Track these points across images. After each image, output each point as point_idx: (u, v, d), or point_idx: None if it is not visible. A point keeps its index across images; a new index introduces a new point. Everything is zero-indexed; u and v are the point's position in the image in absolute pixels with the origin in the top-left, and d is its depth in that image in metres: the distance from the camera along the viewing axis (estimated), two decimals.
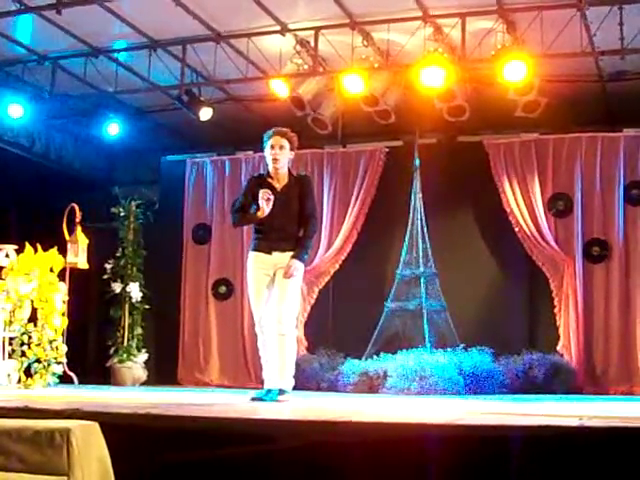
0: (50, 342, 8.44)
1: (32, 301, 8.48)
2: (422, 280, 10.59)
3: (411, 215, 10.78)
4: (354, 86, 9.59)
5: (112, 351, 11.67)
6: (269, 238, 6.45)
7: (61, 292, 8.68)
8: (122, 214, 12.08)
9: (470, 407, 6.25)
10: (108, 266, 11.91)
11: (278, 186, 6.50)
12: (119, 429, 4.01)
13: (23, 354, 8.32)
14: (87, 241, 9.50)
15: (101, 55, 10.00)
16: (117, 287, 11.82)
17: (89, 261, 9.58)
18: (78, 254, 9.41)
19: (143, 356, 11.75)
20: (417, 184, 10.86)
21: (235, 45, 9.74)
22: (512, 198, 10.80)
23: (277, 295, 6.38)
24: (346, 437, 3.95)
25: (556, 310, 10.52)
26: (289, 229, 6.46)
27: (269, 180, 6.52)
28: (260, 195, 6.31)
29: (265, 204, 6.29)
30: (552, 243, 10.61)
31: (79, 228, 9.55)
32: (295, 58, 9.71)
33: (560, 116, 10.04)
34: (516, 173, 10.88)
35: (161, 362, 12.06)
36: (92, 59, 10.03)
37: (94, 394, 7.70)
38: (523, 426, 3.94)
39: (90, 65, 10.08)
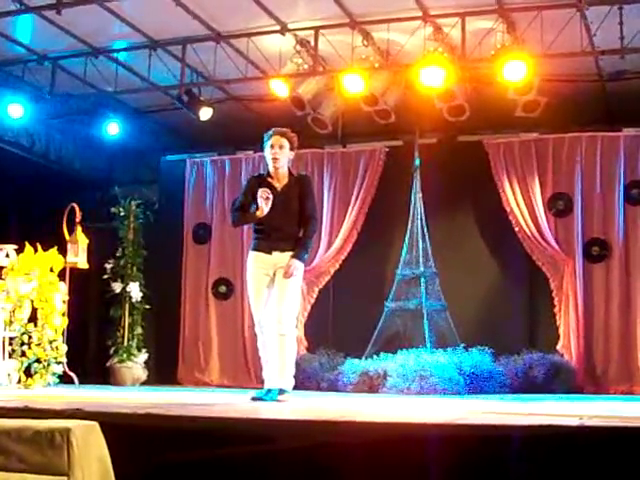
0: (50, 342, 8.45)
1: (32, 301, 8.49)
2: (422, 280, 10.59)
3: (411, 215, 10.78)
4: (354, 86, 9.59)
5: (112, 351, 11.67)
6: (269, 238, 6.45)
7: (61, 292, 8.69)
8: (122, 214, 12.08)
9: (470, 407, 6.25)
10: (108, 266, 11.91)
11: (278, 186, 6.50)
12: (119, 429, 4.01)
13: (23, 354, 8.33)
14: (87, 241, 9.51)
15: (101, 55, 10.00)
16: (117, 287, 11.83)
17: (89, 261, 9.59)
18: (78, 254, 9.42)
19: (143, 356, 11.75)
20: (417, 184, 10.86)
21: (235, 45, 9.75)
22: (512, 198, 10.80)
23: (277, 295, 6.38)
24: (346, 437, 3.95)
25: (556, 310, 10.52)
26: (289, 229, 6.46)
27: (269, 180, 6.52)
28: (259, 194, 6.31)
29: (264, 203, 6.29)
30: (552, 243, 10.61)
31: (79, 228, 9.55)
32: (295, 58, 9.71)
33: (560, 116, 10.04)
34: (516, 173, 10.87)
35: (161, 362, 12.06)
36: (92, 59, 10.03)
37: (94, 394, 7.70)
38: (523, 426, 3.94)
39: (90, 65, 10.08)
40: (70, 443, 3.56)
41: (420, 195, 10.82)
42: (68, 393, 7.65)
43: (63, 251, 9.08)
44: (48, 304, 8.51)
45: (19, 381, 8.26)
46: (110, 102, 11.07)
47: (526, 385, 9.73)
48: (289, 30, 9.42)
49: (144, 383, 11.58)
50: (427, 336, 10.24)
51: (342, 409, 5.89)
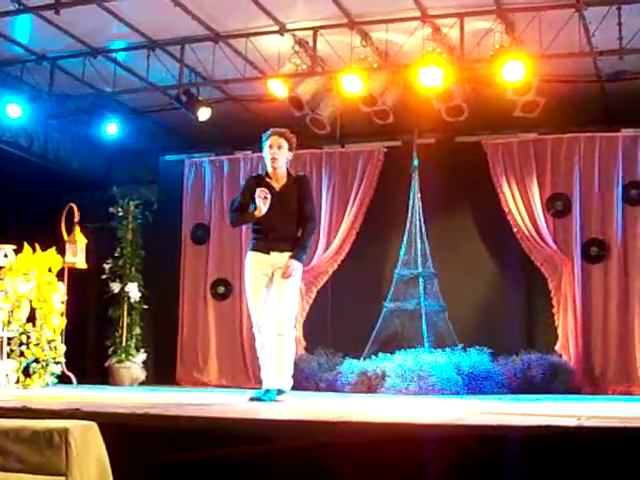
0: (49, 342, 8.46)
1: (31, 301, 8.50)
2: (421, 280, 10.59)
3: (409, 215, 10.78)
4: (352, 86, 9.59)
5: (110, 351, 11.67)
6: (267, 238, 6.45)
7: (59, 292, 8.69)
8: (120, 214, 12.08)
9: (469, 407, 6.25)
10: (106, 266, 11.91)
11: (277, 186, 6.51)
12: (118, 429, 4.01)
13: (22, 354, 8.33)
14: (85, 241, 9.51)
15: (99, 55, 9.99)
16: (116, 287, 11.83)
17: (87, 261, 9.59)
18: (77, 254, 9.43)
19: (141, 356, 11.75)
20: (416, 184, 10.86)
21: (233, 45, 9.74)
22: (510, 198, 10.80)
23: (275, 295, 6.38)
24: (345, 437, 3.95)
25: (554, 310, 10.52)
26: (287, 229, 6.46)
27: (267, 180, 6.53)
28: (257, 194, 6.31)
29: (262, 203, 6.30)
30: (550, 243, 10.61)
31: (77, 228, 9.55)
32: (293, 58, 9.71)
33: (558, 116, 10.04)
34: (514, 173, 10.88)
35: (159, 362, 12.06)
36: (90, 59, 10.02)
37: (92, 394, 7.70)
38: (522, 426, 3.94)
39: (88, 65, 10.07)
40: (68, 443, 3.56)
41: (419, 195, 10.82)
42: (66, 393, 7.65)
43: (61, 251, 9.08)
44: (46, 304, 8.51)
45: (17, 381, 8.27)
46: (108, 102, 11.07)
47: (524, 385, 9.73)
48: (288, 30, 9.42)
49: (142, 383, 11.57)
50: (425, 336, 10.24)
51: (340, 409, 5.89)
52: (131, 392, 9.12)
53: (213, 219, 12.19)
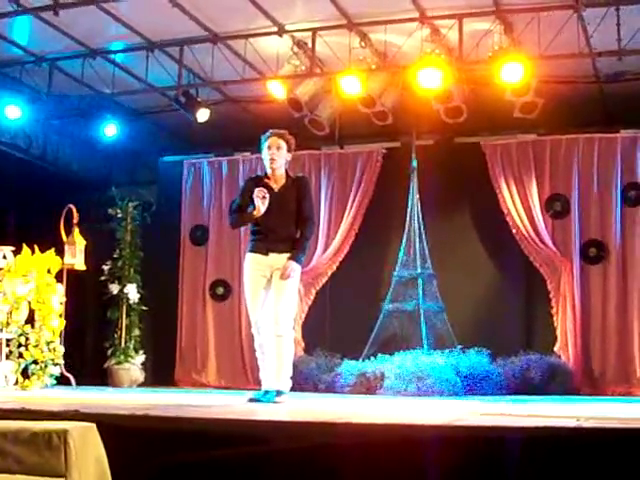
0: (47, 343, 8.45)
1: (29, 302, 8.48)
2: (419, 281, 10.59)
3: (408, 216, 10.77)
4: (351, 87, 9.59)
5: (109, 352, 11.67)
6: (266, 239, 6.45)
7: (58, 293, 8.68)
8: (119, 215, 12.08)
9: (468, 408, 6.25)
10: (105, 267, 11.91)
11: (275, 187, 6.51)
12: (117, 430, 4.01)
13: (20, 355, 8.32)
14: (84, 242, 9.50)
15: (98, 56, 9.99)
16: (114, 288, 11.83)
17: (86, 262, 9.58)
18: (75, 255, 9.41)
19: (140, 357, 11.75)
20: (414, 185, 10.86)
21: (232, 46, 9.75)
22: (509, 199, 10.80)
23: (274, 296, 6.38)
24: (344, 438, 3.95)
25: (553, 311, 10.53)
26: (286, 230, 6.46)
27: (266, 181, 6.53)
28: (255, 193, 6.31)
29: (261, 202, 6.30)
30: (549, 244, 10.62)
31: (76, 229, 9.54)
32: (292, 59, 9.71)
33: (557, 117, 10.04)
34: (513, 174, 10.88)
35: (158, 363, 12.05)
36: (89, 60, 10.02)
37: (91, 395, 7.69)
38: (521, 427, 3.94)
39: (87, 66, 10.07)
40: (67, 445, 3.56)
41: (417, 196, 10.82)
42: (65, 394, 7.65)
43: (60, 253, 9.06)
44: (45, 306, 8.50)
45: (16, 382, 8.26)
46: (107, 103, 11.05)
47: (523, 386, 9.73)
48: (286, 31, 9.42)
49: (141, 384, 11.57)
50: (424, 337, 10.24)
51: (339, 410, 5.89)
52: (130, 393, 9.11)
53: (212, 220, 12.19)
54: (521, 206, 10.74)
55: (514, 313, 10.78)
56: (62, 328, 8.68)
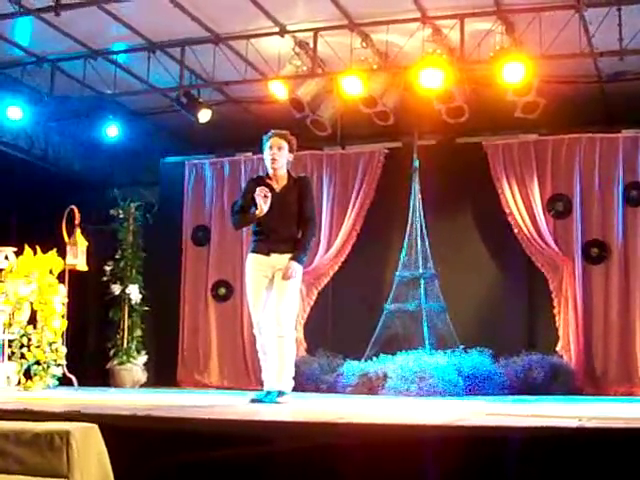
0: (49, 344, 8.45)
1: (31, 303, 8.49)
2: (421, 281, 10.58)
3: (410, 216, 10.77)
4: (353, 87, 9.60)
5: (112, 353, 11.67)
6: (267, 240, 6.45)
7: (60, 294, 8.68)
8: (121, 216, 12.09)
9: (470, 408, 6.25)
10: (107, 268, 11.92)
11: (277, 187, 6.51)
12: (119, 431, 4.02)
13: (23, 356, 8.33)
14: (86, 243, 9.49)
15: (100, 57, 10.00)
16: (116, 289, 11.83)
17: (88, 263, 9.57)
18: (77, 256, 9.40)
19: (142, 358, 11.75)
20: (416, 185, 10.86)
21: (234, 47, 9.75)
22: (511, 199, 10.80)
23: (276, 297, 6.38)
24: (346, 439, 3.95)
25: (555, 311, 10.52)
26: (288, 231, 6.46)
27: (268, 181, 6.53)
28: (256, 192, 6.31)
29: (262, 201, 6.30)
30: (551, 244, 10.61)
31: (78, 230, 9.53)
32: (294, 60, 9.71)
33: (559, 117, 10.04)
34: (515, 174, 10.87)
35: (161, 364, 12.05)
36: (91, 61, 10.03)
37: (94, 396, 7.70)
38: (523, 427, 3.94)
39: (89, 67, 10.08)
40: (69, 445, 3.56)
41: (419, 197, 10.81)
42: (67, 395, 7.65)
43: (62, 253, 9.06)
44: (47, 306, 8.51)
45: (18, 383, 8.26)
46: (109, 104, 11.06)
47: (525, 386, 9.72)
48: (288, 32, 9.42)
49: (143, 385, 11.57)
50: (426, 338, 10.23)
51: (341, 411, 5.89)
52: (132, 394, 9.11)
53: (214, 221, 12.19)
54: (523, 206, 10.73)
55: (516, 313, 10.77)
56: (64, 329, 8.68)
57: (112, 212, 12.08)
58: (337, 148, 11.89)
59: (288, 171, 6.61)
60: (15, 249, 8.73)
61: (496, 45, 9.01)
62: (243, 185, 7.08)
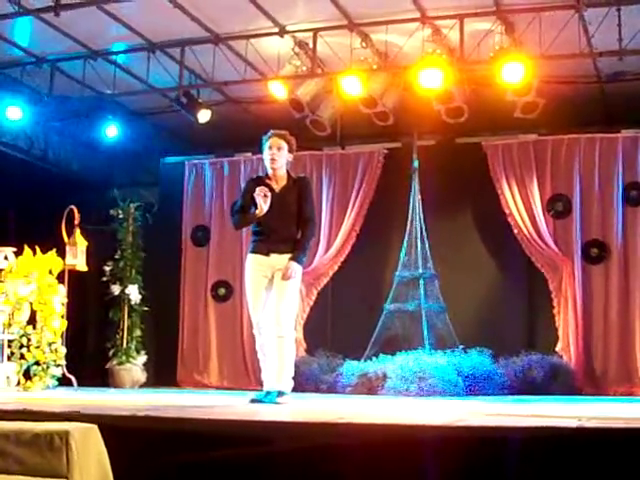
0: (49, 344, 8.45)
1: (31, 303, 8.49)
2: (421, 281, 10.58)
3: (410, 216, 10.77)
4: (352, 88, 9.60)
5: (111, 353, 11.67)
6: (267, 240, 6.45)
7: (60, 294, 8.69)
8: (121, 216, 12.09)
9: (469, 408, 6.25)
10: (107, 268, 11.91)
11: (276, 187, 6.51)
12: (118, 431, 4.01)
13: (22, 357, 8.33)
14: (86, 243, 9.50)
15: (99, 57, 9.99)
16: (116, 289, 11.83)
17: (88, 263, 9.57)
18: (77, 256, 9.40)
19: (142, 358, 11.75)
20: (416, 185, 10.86)
21: (233, 47, 9.75)
22: (511, 199, 10.80)
23: (275, 297, 6.38)
24: (345, 439, 3.95)
25: (555, 311, 10.52)
26: (287, 231, 6.46)
27: (267, 181, 6.53)
28: (256, 192, 6.31)
29: (262, 201, 6.30)
30: (551, 244, 10.61)
31: (78, 230, 9.53)
32: (293, 60, 9.71)
33: (558, 117, 10.04)
34: (515, 174, 10.88)
35: (160, 364, 12.05)
36: (90, 61, 10.02)
37: (93, 396, 7.70)
38: (522, 427, 3.94)
39: (89, 67, 10.08)
40: (69, 445, 3.56)
41: (419, 197, 10.82)
42: (67, 395, 7.66)
43: (62, 253, 9.07)
44: (47, 306, 8.51)
45: (18, 384, 8.26)
46: (109, 104, 11.06)
47: (525, 386, 9.72)
48: (287, 32, 9.42)
49: (143, 385, 11.57)
50: (426, 338, 10.23)
51: (341, 411, 5.89)
52: (132, 394, 9.12)
53: (213, 221, 12.19)
54: (522, 206, 10.74)
55: (516, 313, 10.78)
56: (64, 329, 8.68)
57: (112, 212, 12.08)
58: (337, 148, 11.89)
59: (288, 171, 6.61)
60: (15, 249, 8.73)
61: (496, 45, 9.01)
62: (243, 185, 7.07)
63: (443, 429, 4.02)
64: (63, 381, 8.80)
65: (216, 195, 12.22)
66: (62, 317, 8.66)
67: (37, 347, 8.35)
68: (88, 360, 11.84)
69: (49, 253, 8.70)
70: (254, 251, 6.50)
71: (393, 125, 10.36)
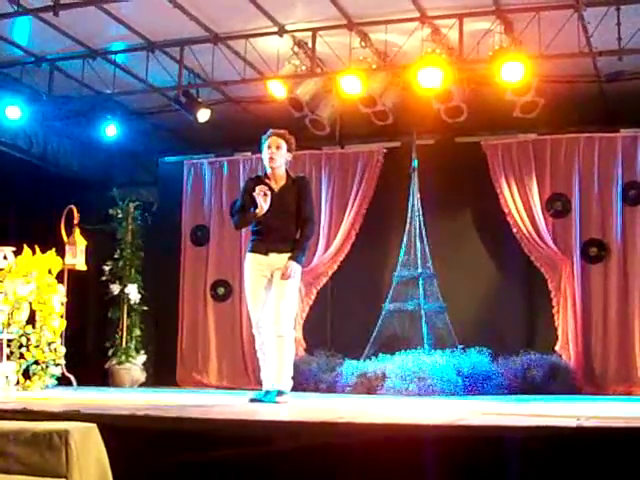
0: (48, 344, 8.45)
1: (30, 303, 8.48)
2: (420, 281, 10.58)
3: (409, 216, 10.77)
4: (352, 87, 9.59)
5: (111, 352, 11.67)
6: (266, 239, 6.45)
7: (59, 294, 8.68)
8: (120, 216, 12.09)
9: (469, 408, 6.25)
10: (106, 268, 11.92)
11: (275, 187, 6.51)
12: (118, 431, 4.01)
13: (21, 356, 8.32)
14: (85, 243, 9.49)
15: (99, 57, 9.98)
16: (115, 289, 11.83)
17: (87, 263, 9.57)
18: (76, 256, 9.40)
19: (141, 357, 11.75)
20: (415, 185, 10.86)
21: (233, 46, 9.74)
22: (510, 199, 10.80)
23: (274, 296, 6.38)
24: (345, 438, 3.95)
25: (554, 310, 10.52)
26: (286, 230, 6.46)
27: (266, 181, 6.53)
28: (256, 191, 6.31)
29: (262, 200, 6.30)
30: (550, 244, 10.62)
31: (77, 230, 9.53)
32: (293, 59, 9.71)
33: (558, 116, 10.04)
34: (514, 174, 10.88)
35: (160, 363, 12.06)
36: (90, 61, 10.02)
37: (92, 396, 7.70)
38: (522, 427, 3.94)
39: (88, 67, 10.07)
40: (68, 445, 3.55)
41: (418, 196, 10.82)
42: (66, 395, 7.65)
43: (61, 253, 9.06)
44: (46, 306, 8.50)
45: (17, 383, 8.25)
46: (108, 104, 11.06)
47: (524, 386, 9.73)
48: (287, 31, 9.41)
49: (143, 385, 11.57)
50: (425, 337, 10.24)
51: (341, 410, 5.89)
52: (131, 394, 9.11)
53: (213, 220, 12.19)
54: (522, 206, 10.74)
55: (515, 313, 10.78)
56: (63, 328, 8.68)
57: (111, 212, 12.08)
58: (336, 148, 11.89)
59: (287, 171, 6.61)
60: (14, 249, 8.72)
61: (495, 45, 9.01)
62: (242, 185, 7.07)
63: (442, 428, 4.02)
64: (62, 380, 8.80)
65: (215, 195, 12.22)
66: (61, 316, 8.66)
67: (36, 346, 8.35)
68: (87, 359, 11.84)
69: (48, 252, 8.70)
70: (253, 250, 6.50)
71: (392, 124, 10.35)
